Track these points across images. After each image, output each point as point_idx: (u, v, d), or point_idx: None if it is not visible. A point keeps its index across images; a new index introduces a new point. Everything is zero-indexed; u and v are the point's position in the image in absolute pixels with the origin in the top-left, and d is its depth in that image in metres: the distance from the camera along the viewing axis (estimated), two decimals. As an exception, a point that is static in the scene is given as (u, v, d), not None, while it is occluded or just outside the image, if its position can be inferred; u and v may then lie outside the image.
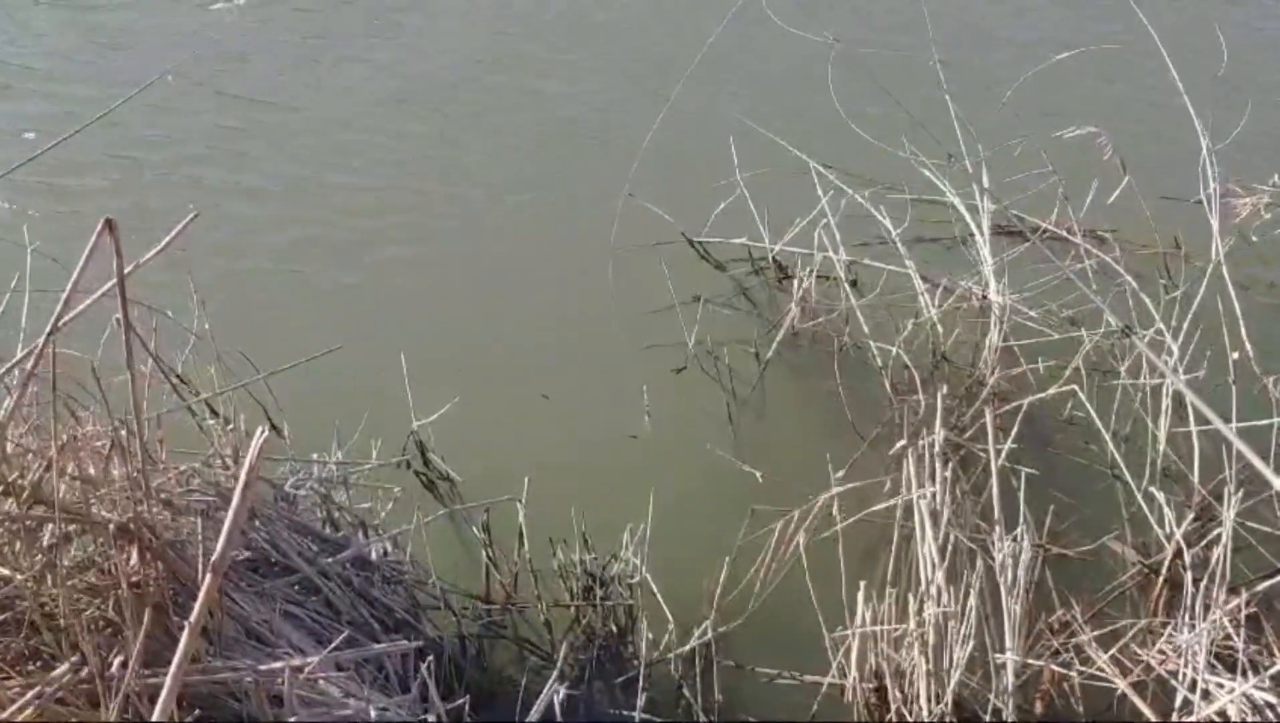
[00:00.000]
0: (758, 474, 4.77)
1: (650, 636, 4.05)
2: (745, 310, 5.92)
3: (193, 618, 1.43)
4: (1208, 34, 6.94)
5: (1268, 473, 3.06)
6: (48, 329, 2.63)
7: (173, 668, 1.47)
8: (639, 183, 6.09)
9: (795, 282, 5.72)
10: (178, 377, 3.94)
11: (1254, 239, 6.23)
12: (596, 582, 4.21)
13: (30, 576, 2.89)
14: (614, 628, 4.18)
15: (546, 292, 6.00)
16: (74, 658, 2.70)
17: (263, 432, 1.53)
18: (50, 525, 2.98)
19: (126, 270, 2.59)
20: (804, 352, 5.60)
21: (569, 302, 5.91)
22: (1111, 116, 7.24)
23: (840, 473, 4.45)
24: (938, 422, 4.44)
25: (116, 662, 2.71)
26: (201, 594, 1.45)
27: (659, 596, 4.14)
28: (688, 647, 4.05)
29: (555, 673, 3.83)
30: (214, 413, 3.91)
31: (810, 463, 4.63)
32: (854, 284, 5.68)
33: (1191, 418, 4.47)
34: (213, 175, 7.03)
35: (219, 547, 1.43)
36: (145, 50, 8.43)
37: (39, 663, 2.89)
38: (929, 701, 3.67)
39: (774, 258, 6.03)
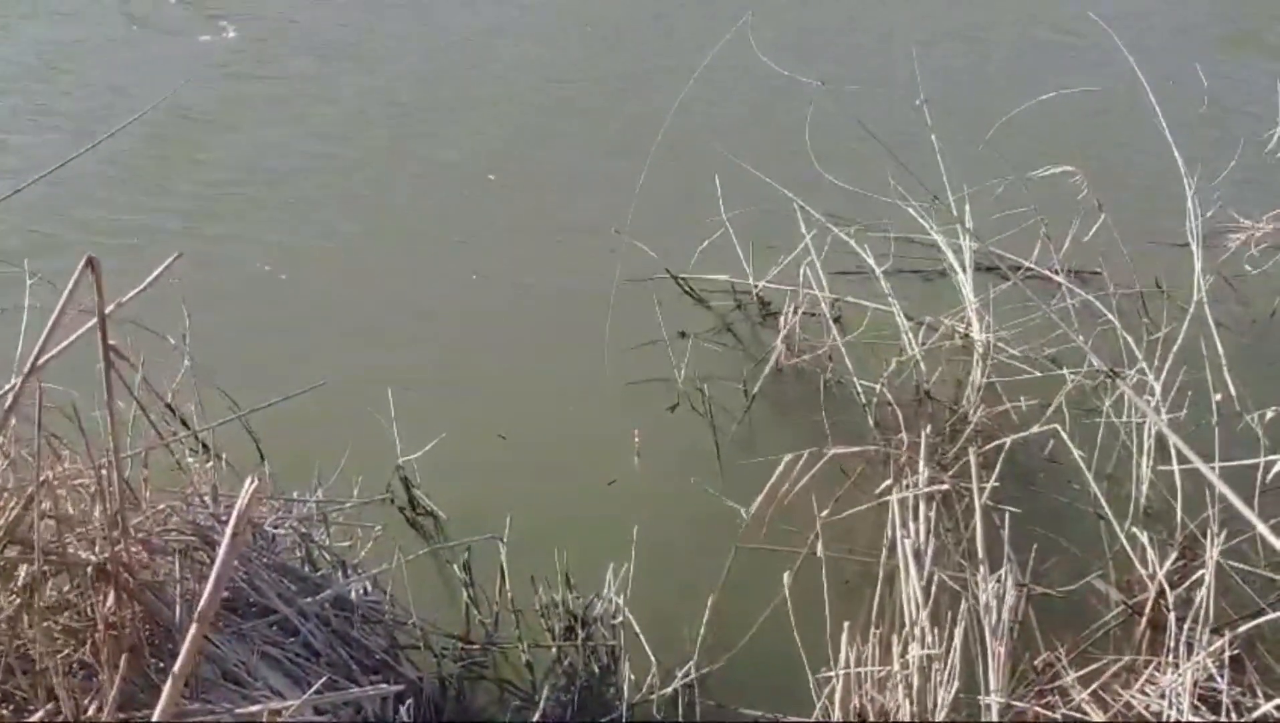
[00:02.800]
0: (742, 511, 4.75)
1: (632, 676, 4.01)
2: (729, 346, 5.92)
3: (177, 668, 1.40)
4: (1191, 75, 7.06)
5: (1249, 514, 3.06)
6: (26, 368, 2.60)
7: (156, 713, 1.44)
8: (624, 219, 6.10)
9: (781, 318, 5.73)
10: (167, 406, 3.92)
11: (1248, 268, 6.29)
12: (578, 622, 4.18)
13: (5, 617, 2.84)
14: (596, 669, 4.14)
15: (531, 327, 5.99)
16: (49, 704, 2.66)
17: (253, 481, 1.50)
18: (26, 566, 2.93)
19: (108, 309, 2.58)
20: (788, 388, 5.60)
21: (553, 337, 5.90)
22: (1097, 157, 7.34)
23: (825, 512, 4.44)
24: (921, 460, 4.43)
25: (92, 707, 2.66)
26: (186, 643, 1.42)
27: (641, 636, 4.11)
28: (670, 688, 4.01)
29: (537, 714, 3.80)
30: (201, 449, 3.88)
31: (795, 500, 4.61)
32: (837, 321, 5.69)
33: (1174, 457, 4.48)
34: (197, 208, 7.01)
35: (205, 595, 1.40)
36: (133, 82, 8.42)
37: (12, 707, 2.84)
38: (913, 743, 3.65)
39: (758, 294, 6.04)
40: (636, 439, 5.14)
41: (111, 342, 2.73)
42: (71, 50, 8.93)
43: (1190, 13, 9.92)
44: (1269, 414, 4.68)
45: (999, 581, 3.75)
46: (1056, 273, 5.48)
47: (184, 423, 4.13)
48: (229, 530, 1.37)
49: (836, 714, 3.76)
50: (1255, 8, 10.06)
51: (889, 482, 4.45)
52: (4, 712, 2.81)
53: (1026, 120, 6.39)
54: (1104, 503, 4.56)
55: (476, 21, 9.59)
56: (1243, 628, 3.96)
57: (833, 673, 3.74)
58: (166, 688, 1.44)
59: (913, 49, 7.05)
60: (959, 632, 3.62)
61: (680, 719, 3.97)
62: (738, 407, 5.47)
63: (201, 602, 1.42)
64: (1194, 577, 4.02)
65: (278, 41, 9.14)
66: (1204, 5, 10.14)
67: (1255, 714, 3.58)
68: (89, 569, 2.89)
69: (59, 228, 6.64)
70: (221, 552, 1.35)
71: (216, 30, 9.21)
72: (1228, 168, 6.34)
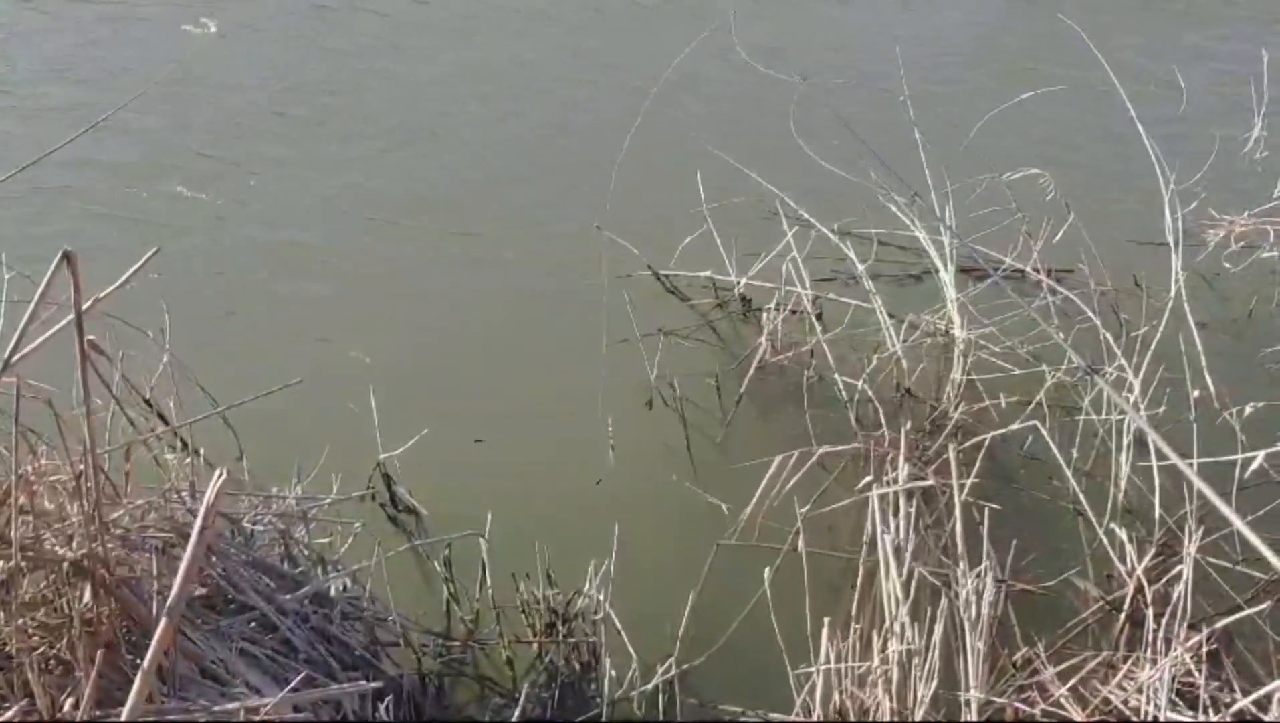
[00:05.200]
0: (723, 508, 4.75)
1: (613, 673, 4.01)
2: (710, 343, 5.92)
3: (146, 663, 1.39)
4: (1168, 71, 7.08)
5: (1227, 511, 3.07)
6: (2, 363, 2.58)
7: (125, 713, 1.43)
8: (605, 216, 6.10)
9: (764, 315, 5.73)
10: (146, 401, 3.90)
11: (1227, 266, 6.32)
12: (560, 618, 4.18)
13: (-20, 614, 2.83)
14: (577, 665, 4.14)
15: (512, 324, 5.98)
16: (24, 700, 2.64)
17: (220, 474, 1.50)
18: (2, 561, 2.91)
19: (85, 305, 2.56)
20: (770, 385, 5.60)
21: (535, 334, 5.89)
22: (1078, 156, 7.38)
23: (805, 508, 4.45)
24: (902, 457, 4.44)
25: (68, 703, 2.65)
26: (155, 641, 1.41)
27: (622, 632, 4.10)
28: (651, 684, 4.01)
29: (517, 711, 3.79)
30: (180, 445, 3.85)
31: (776, 497, 4.61)
32: (819, 318, 5.70)
33: (1153, 454, 4.50)
34: (176, 208, 6.98)
35: (173, 592, 1.39)
36: (113, 74, 8.37)
37: (-13, 703, 2.82)
38: (893, 739, 3.66)
39: (740, 292, 6.05)
40: (611, 430, 5.14)
41: (90, 337, 2.72)
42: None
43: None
44: (1247, 411, 4.70)
45: (979, 577, 3.77)
46: (1036, 271, 5.50)
47: (161, 418, 4.10)
48: (197, 522, 1.37)
49: (817, 710, 3.76)
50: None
51: (869, 478, 4.46)
52: (-21, 709, 2.80)
53: (1011, 120, 6.41)
54: (1083, 500, 4.59)
55: (458, 15, 9.58)
56: (1220, 624, 3.99)
57: (813, 669, 3.75)
58: (136, 683, 1.43)
59: (896, 49, 7.04)
60: (939, 628, 3.63)
61: (661, 716, 3.97)
62: (720, 404, 5.47)
63: (171, 595, 1.41)
64: (1172, 573, 4.04)
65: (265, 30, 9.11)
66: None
67: (1232, 709, 3.60)
68: (65, 565, 2.87)
69: (36, 224, 6.61)
70: (190, 544, 1.34)
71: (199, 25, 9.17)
72: (1207, 165, 6.36)
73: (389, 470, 4.78)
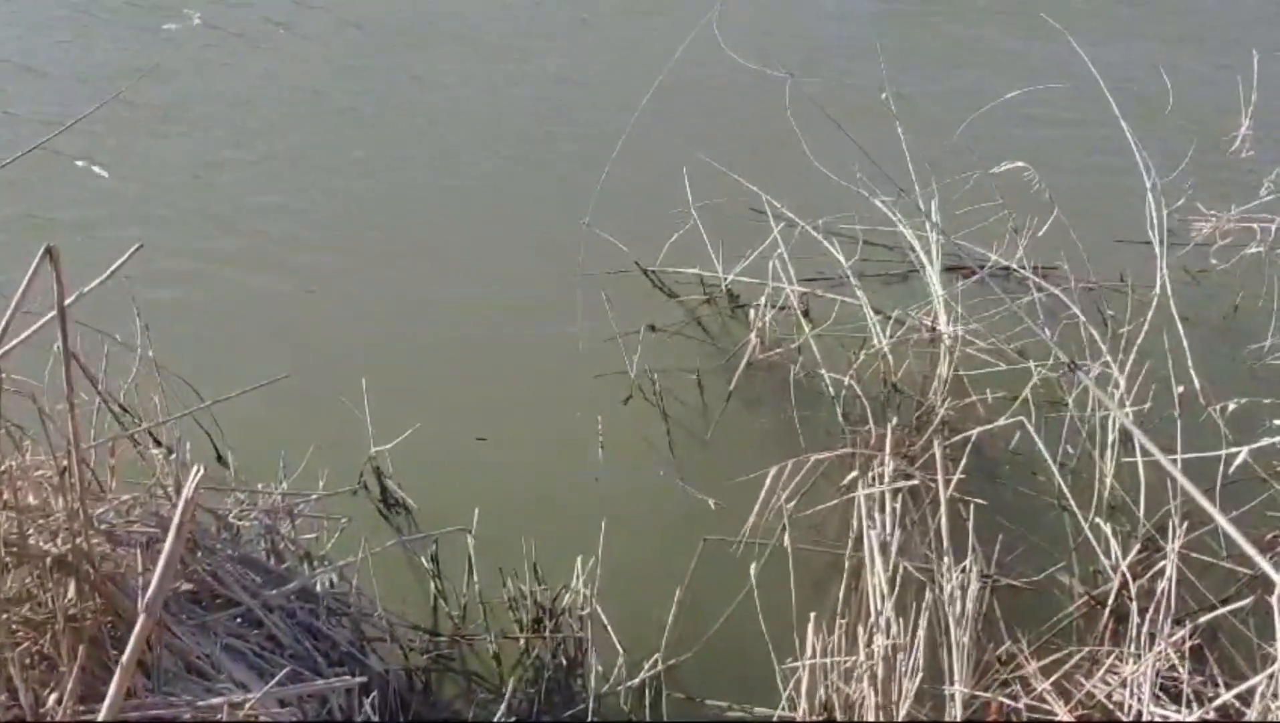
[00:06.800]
0: (710, 503, 4.76)
1: (600, 668, 4.01)
2: (698, 340, 5.92)
3: (124, 660, 1.39)
4: (1153, 72, 7.10)
5: (1210, 508, 3.09)
6: (-15, 358, 2.58)
7: (103, 711, 1.43)
8: (594, 212, 6.10)
9: (753, 312, 5.73)
10: (119, 406, 3.90)
11: (1214, 262, 6.33)
12: (546, 614, 4.18)
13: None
14: (563, 660, 4.15)
15: (501, 319, 5.97)
16: (4, 695, 2.64)
17: (198, 471, 1.50)
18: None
19: (67, 300, 2.56)
20: (757, 381, 5.60)
21: (524, 329, 5.89)
22: (1064, 154, 7.38)
23: (792, 503, 4.45)
24: (888, 453, 4.45)
25: (51, 698, 2.64)
26: (133, 637, 1.41)
27: (609, 627, 4.11)
28: (637, 679, 4.02)
29: (503, 707, 3.79)
30: (157, 443, 3.85)
31: (771, 510, 4.62)
32: (806, 314, 5.71)
33: (1138, 450, 4.52)
34: (161, 199, 6.97)
35: (152, 588, 1.39)
36: (94, 71, 8.35)
37: (-31, 699, 2.81)
38: (878, 733, 3.66)
39: (727, 288, 6.05)
40: (600, 427, 5.14)
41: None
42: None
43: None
44: (1231, 407, 4.72)
45: (964, 572, 3.78)
46: (1023, 268, 5.51)
47: (137, 415, 4.10)
48: (175, 518, 1.37)
49: (802, 705, 3.77)
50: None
51: (855, 474, 4.47)
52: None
53: (995, 118, 6.43)
54: (1068, 495, 4.59)
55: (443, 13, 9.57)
56: (1204, 619, 4.00)
57: (799, 664, 3.76)
58: (115, 678, 1.44)
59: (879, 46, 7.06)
60: (924, 623, 3.64)
61: (647, 711, 3.97)
62: (705, 400, 5.48)
63: (149, 590, 1.41)
64: (1156, 568, 4.05)
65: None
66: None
67: (1215, 704, 3.62)
68: (49, 561, 2.87)
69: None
70: (168, 544, 1.34)
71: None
72: (1196, 164, 6.38)
73: (382, 465, 4.77)
